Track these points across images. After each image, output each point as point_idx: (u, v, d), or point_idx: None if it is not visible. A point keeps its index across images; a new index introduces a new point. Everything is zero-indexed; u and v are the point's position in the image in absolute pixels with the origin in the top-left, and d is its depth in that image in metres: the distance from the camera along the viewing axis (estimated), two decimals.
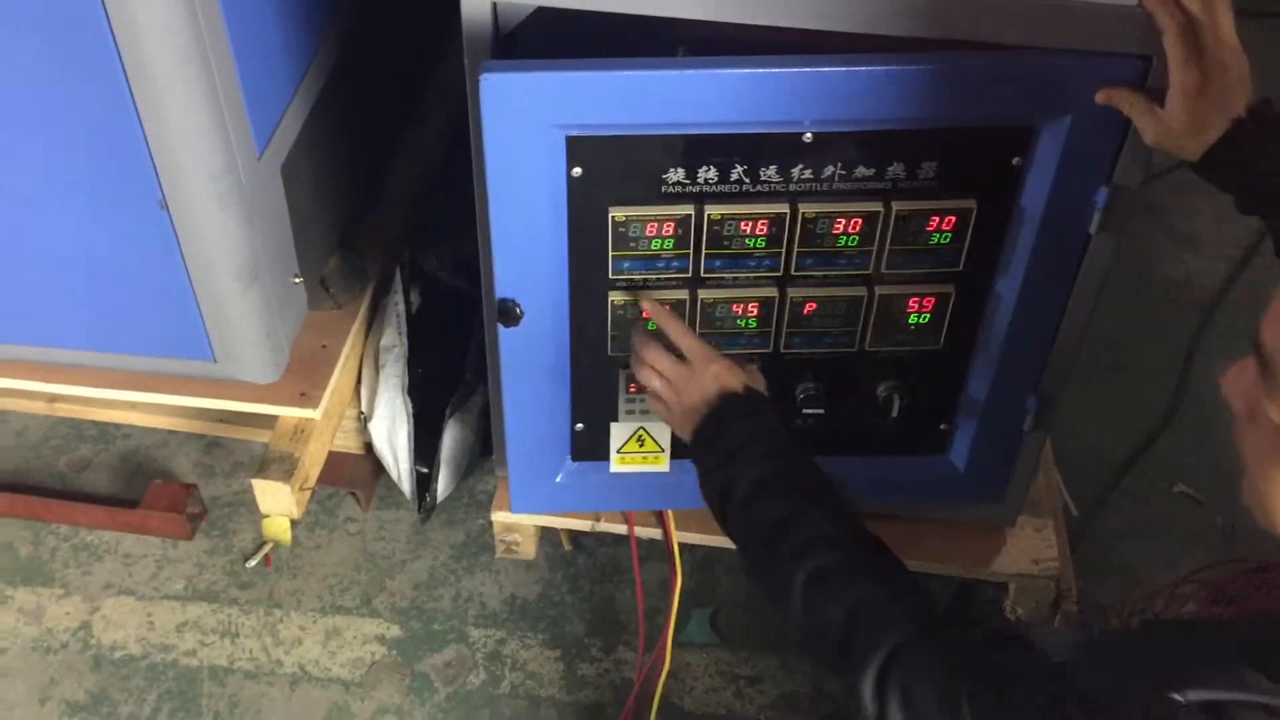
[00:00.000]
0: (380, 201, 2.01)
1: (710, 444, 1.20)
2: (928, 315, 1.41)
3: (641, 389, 1.33)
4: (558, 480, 1.58)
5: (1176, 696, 0.78)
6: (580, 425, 1.53)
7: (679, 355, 1.27)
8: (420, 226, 2.06)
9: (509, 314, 1.37)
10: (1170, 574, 1.84)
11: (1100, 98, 1.19)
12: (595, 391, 1.49)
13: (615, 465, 1.55)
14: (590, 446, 1.55)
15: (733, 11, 1.20)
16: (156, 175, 1.39)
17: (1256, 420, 0.83)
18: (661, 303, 1.37)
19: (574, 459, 1.57)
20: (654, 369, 1.28)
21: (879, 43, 1.20)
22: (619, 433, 1.53)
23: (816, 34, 1.21)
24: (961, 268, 1.37)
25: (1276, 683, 0.76)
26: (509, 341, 1.40)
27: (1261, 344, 0.81)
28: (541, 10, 1.23)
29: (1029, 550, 1.64)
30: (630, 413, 1.51)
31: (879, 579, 1.06)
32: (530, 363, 1.43)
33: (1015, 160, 1.28)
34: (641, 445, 1.54)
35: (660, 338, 1.30)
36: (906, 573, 1.09)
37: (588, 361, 1.46)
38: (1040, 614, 1.65)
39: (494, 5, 1.22)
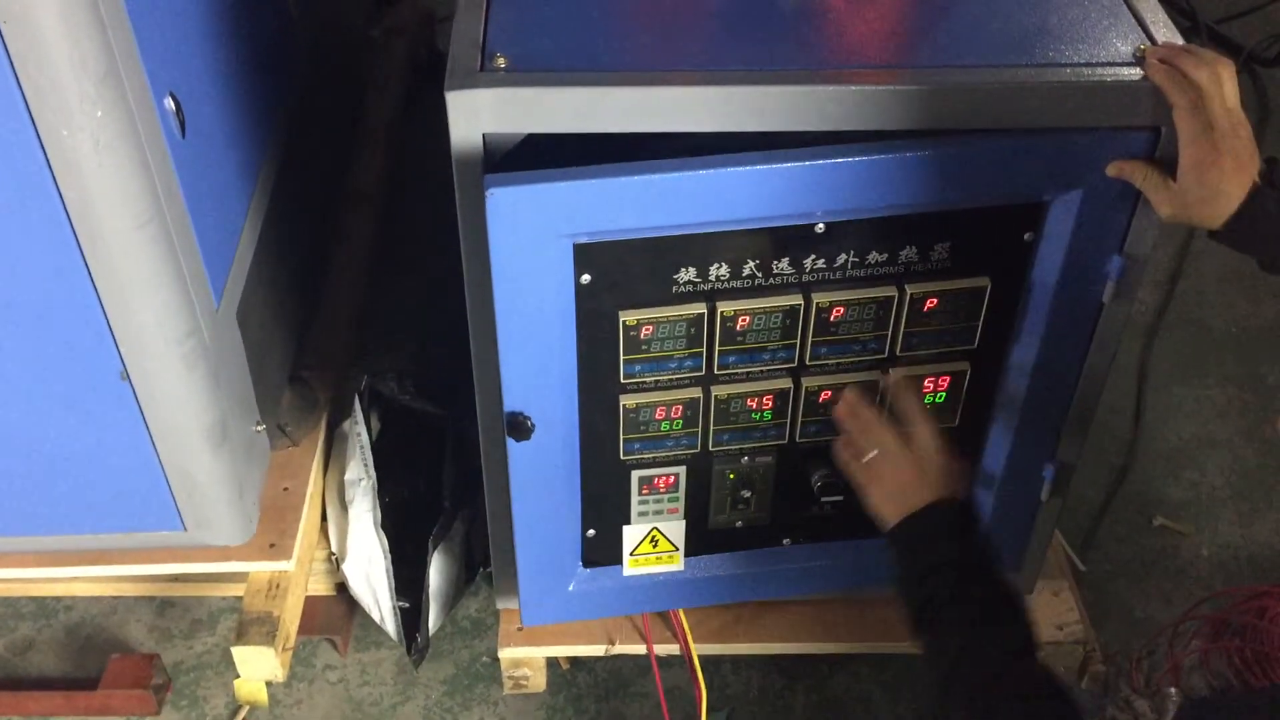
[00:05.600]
0: (318, 326, 1.90)
1: (915, 548, 1.18)
2: (944, 394, 1.38)
3: (845, 456, 1.28)
4: (570, 589, 1.52)
5: None
6: (592, 531, 1.48)
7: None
8: (364, 344, 1.96)
9: (520, 427, 1.31)
10: (1168, 610, 1.84)
11: (1112, 171, 1.18)
12: (607, 496, 1.44)
13: (629, 568, 1.51)
14: (602, 552, 1.50)
15: (731, 121, 1.16)
16: (116, 345, 1.28)
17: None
18: (672, 404, 1.34)
19: (585, 566, 1.52)
20: (872, 436, 1.24)
21: None
22: (632, 535, 1.48)
23: None
24: (976, 345, 1.35)
25: None
26: (519, 455, 1.34)
27: None
28: (531, 136, 1.17)
29: (1052, 616, 1.61)
30: (643, 514, 1.46)
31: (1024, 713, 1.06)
32: (540, 474, 1.38)
33: (1027, 236, 1.27)
34: (655, 546, 1.50)
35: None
36: (1060, 704, 1.08)
37: (599, 467, 1.41)
38: (1069, 679, 1.62)
39: (484, 136, 1.16)
